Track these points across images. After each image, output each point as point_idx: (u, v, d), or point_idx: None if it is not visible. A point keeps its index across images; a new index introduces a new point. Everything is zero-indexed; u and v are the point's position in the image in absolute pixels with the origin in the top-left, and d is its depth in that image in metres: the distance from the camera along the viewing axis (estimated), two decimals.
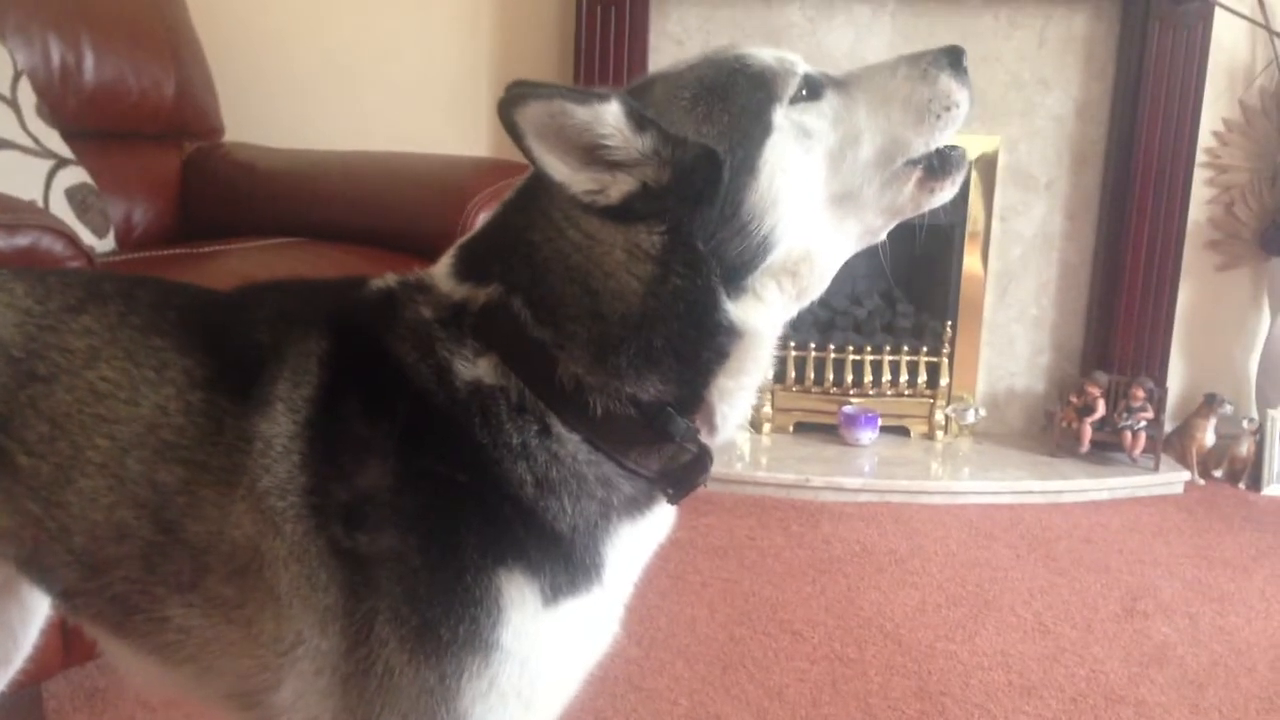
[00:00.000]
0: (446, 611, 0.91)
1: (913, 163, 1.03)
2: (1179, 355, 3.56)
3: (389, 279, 1.04)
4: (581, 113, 0.89)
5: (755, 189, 0.95)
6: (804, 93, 0.99)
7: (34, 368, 1.04)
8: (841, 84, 1.03)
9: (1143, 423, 3.32)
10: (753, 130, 0.96)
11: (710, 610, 2.36)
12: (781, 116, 0.98)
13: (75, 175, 2.36)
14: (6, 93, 2.29)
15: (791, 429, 3.54)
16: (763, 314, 0.98)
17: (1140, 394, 3.32)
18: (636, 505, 1.01)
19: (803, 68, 1.01)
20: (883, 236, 1.07)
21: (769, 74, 0.98)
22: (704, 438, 1.01)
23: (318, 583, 0.94)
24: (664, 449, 0.99)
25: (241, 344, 1.02)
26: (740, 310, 0.96)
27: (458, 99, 3.40)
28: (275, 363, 0.99)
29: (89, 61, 2.61)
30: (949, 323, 3.51)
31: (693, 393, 0.97)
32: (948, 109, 1.03)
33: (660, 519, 1.05)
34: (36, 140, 2.30)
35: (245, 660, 0.99)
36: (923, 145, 1.03)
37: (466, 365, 0.96)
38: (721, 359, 0.97)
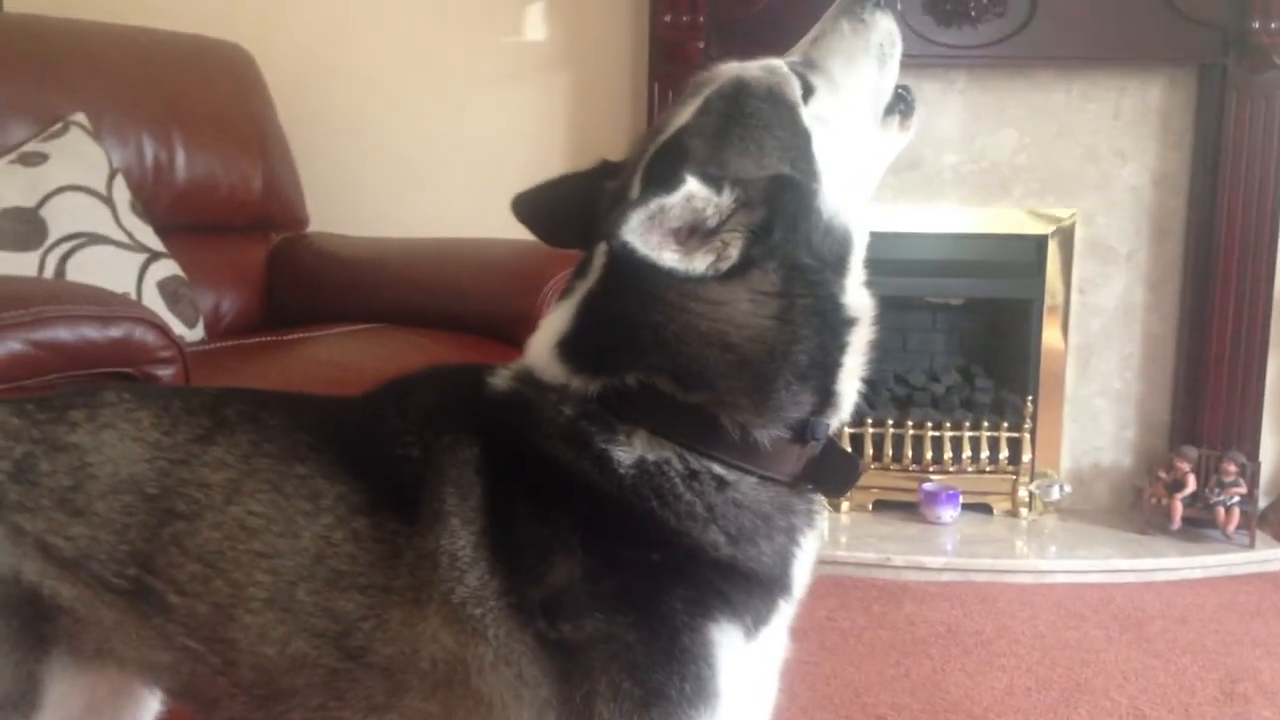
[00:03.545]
0: (669, 674, 0.95)
1: (889, 110, 1.12)
2: (1271, 428, 3.46)
3: (503, 376, 1.07)
4: (676, 200, 0.92)
5: (824, 190, 1.02)
6: (802, 91, 1.05)
7: (173, 505, 1.05)
8: (811, 64, 1.09)
9: (1236, 498, 3.22)
10: (798, 141, 1.02)
11: (790, 695, 2.30)
12: (807, 117, 1.03)
13: (167, 268, 2.45)
14: (103, 190, 2.39)
15: (871, 507, 3.49)
16: (861, 291, 1.06)
17: (1232, 468, 3.23)
18: (812, 513, 1.06)
19: (785, 66, 1.07)
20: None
21: (775, 87, 1.04)
22: (833, 425, 1.06)
23: (529, 679, 0.96)
24: (805, 452, 1.04)
25: (392, 462, 1.03)
26: (851, 297, 1.04)
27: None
28: (434, 477, 1.01)
29: (180, 159, 2.71)
30: (1029, 397, 3.46)
31: (829, 392, 1.03)
32: (894, 44, 1.11)
33: (822, 513, 1.10)
34: (130, 235, 2.39)
35: None
36: (890, 87, 1.12)
37: (626, 451, 0.98)
38: (845, 349, 1.04)
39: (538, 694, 0.96)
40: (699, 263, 0.95)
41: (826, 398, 1.03)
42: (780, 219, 0.97)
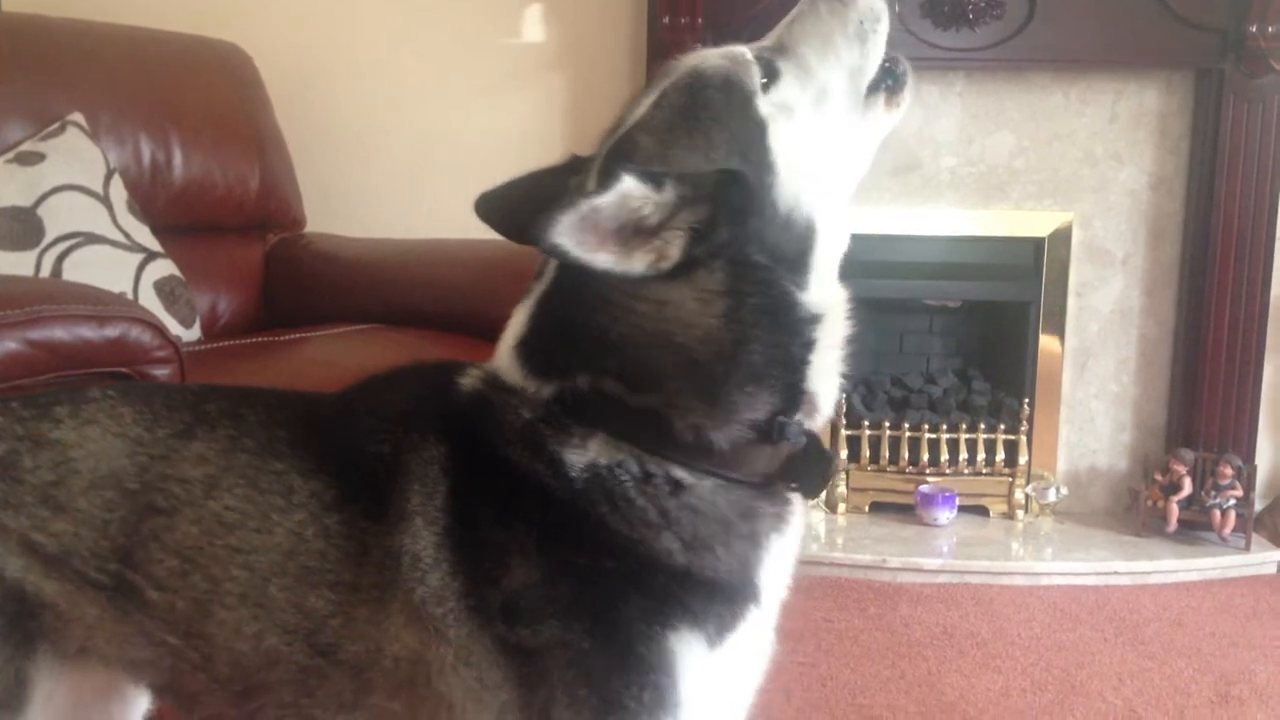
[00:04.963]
0: (626, 683, 0.93)
1: (873, 88, 1.06)
2: (1267, 431, 3.47)
3: (472, 376, 1.06)
4: (608, 200, 0.89)
5: (781, 183, 0.98)
6: (765, 78, 1.01)
7: (152, 500, 1.05)
8: (782, 48, 1.05)
9: (1231, 501, 3.23)
10: (751, 133, 0.98)
11: (787, 695, 2.32)
12: (765, 106, 1.00)
13: (164, 268, 2.44)
14: (99, 190, 2.39)
15: (867, 509, 3.49)
16: (827, 284, 1.02)
17: (1228, 471, 3.23)
18: (781, 517, 1.02)
19: (750, 53, 1.03)
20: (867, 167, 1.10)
21: (732, 75, 1.00)
22: (809, 423, 1.03)
23: (490, 681, 0.95)
24: (781, 450, 1.00)
25: (363, 458, 1.03)
26: (813, 294, 0.99)
27: None
28: (402, 474, 1.00)
29: (178, 159, 2.71)
30: (1026, 400, 3.46)
31: (794, 391, 0.99)
32: (877, 20, 1.05)
33: (799, 515, 1.06)
34: (127, 235, 2.39)
35: None
36: (874, 66, 1.06)
37: (578, 453, 0.97)
38: (811, 346, 0.99)
39: (497, 697, 0.95)
40: (637, 262, 0.92)
41: (795, 396, 1.00)
42: (725, 216, 0.93)
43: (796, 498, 1.04)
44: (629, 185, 0.90)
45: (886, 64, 1.07)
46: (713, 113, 0.98)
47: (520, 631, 0.94)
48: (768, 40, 1.07)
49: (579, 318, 0.98)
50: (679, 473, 0.97)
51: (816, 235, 1.00)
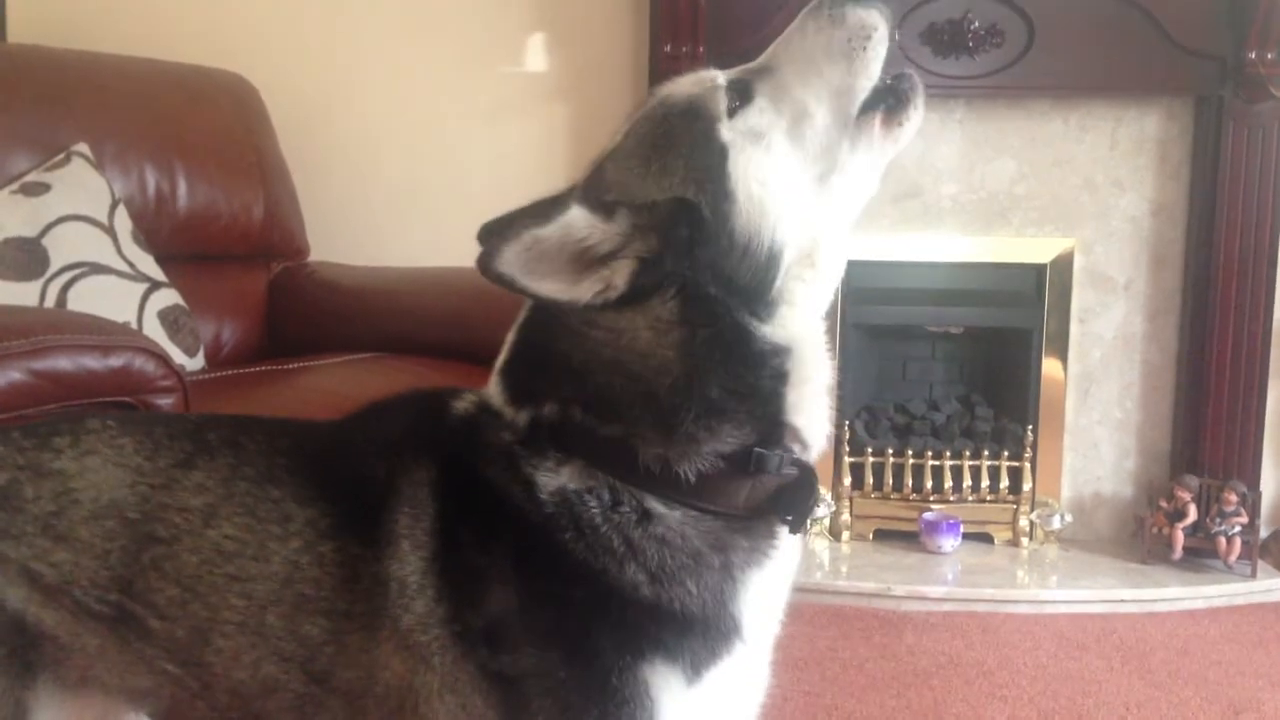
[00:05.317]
0: (604, 715, 0.92)
1: (869, 107, 1.02)
2: (1271, 457, 3.46)
3: (467, 400, 1.06)
4: (552, 230, 0.90)
5: (739, 211, 0.95)
6: (737, 102, 0.99)
7: (153, 529, 1.05)
8: (764, 70, 1.03)
9: (1237, 528, 3.21)
10: (709, 160, 0.96)
11: None
12: (728, 132, 0.97)
13: (168, 297, 2.45)
14: (105, 220, 2.40)
15: (871, 536, 3.48)
16: (800, 317, 0.99)
17: (1233, 498, 3.22)
18: (759, 550, 1.00)
19: (722, 77, 1.02)
20: (877, 187, 1.06)
21: (696, 100, 0.99)
22: (800, 455, 1.00)
23: (473, 709, 0.95)
24: (766, 482, 0.98)
25: (357, 484, 1.03)
26: (776, 326, 0.97)
27: None
28: (393, 499, 1.00)
29: (182, 189, 2.72)
30: (1030, 427, 3.45)
31: (771, 423, 0.97)
32: (868, 38, 1.01)
33: (788, 551, 1.03)
34: (132, 265, 2.40)
35: None
36: (865, 84, 1.02)
37: (550, 476, 0.97)
38: (782, 379, 0.97)
39: None
40: (584, 291, 0.92)
41: (772, 429, 0.98)
42: (673, 245, 0.92)
43: (783, 530, 1.02)
44: (574, 215, 0.91)
45: (890, 80, 1.04)
46: (672, 140, 0.97)
47: (501, 659, 0.94)
48: (756, 62, 1.05)
49: (548, 345, 0.99)
50: (651, 502, 0.96)
51: (780, 266, 0.97)
